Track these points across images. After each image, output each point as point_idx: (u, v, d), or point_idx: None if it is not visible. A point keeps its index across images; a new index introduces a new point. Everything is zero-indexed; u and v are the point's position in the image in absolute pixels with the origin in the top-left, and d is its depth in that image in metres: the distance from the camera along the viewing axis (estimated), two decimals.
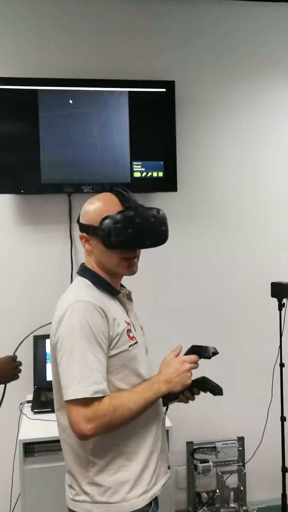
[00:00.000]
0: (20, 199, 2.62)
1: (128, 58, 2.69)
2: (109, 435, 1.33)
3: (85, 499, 1.37)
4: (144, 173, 2.65)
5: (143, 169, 2.64)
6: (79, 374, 1.26)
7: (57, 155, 2.55)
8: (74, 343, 1.28)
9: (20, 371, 1.71)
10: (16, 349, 1.79)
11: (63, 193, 2.59)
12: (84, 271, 1.46)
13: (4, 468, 2.49)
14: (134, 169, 2.64)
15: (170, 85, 2.65)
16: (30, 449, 2.06)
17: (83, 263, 1.49)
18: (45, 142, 2.53)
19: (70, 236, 2.64)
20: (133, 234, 1.36)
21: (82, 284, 1.42)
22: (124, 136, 2.62)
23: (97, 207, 1.41)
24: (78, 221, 1.48)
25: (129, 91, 2.61)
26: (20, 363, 1.72)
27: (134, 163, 2.64)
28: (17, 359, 1.72)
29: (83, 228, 1.44)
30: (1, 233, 2.63)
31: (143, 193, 2.67)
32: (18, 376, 1.72)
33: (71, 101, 2.57)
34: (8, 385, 2.56)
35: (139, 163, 2.64)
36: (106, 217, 1.37)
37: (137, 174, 2.64)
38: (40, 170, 2.53)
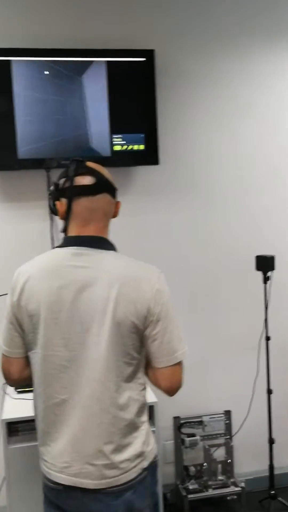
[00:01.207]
0: None
1: (106, 26, 2.59)
2: None
3: (141, 459, 1.42)
4: (125, 146, 2.58)
5: (124, 142, 2.57)
6: (182, 337, 1.42)
7: (34, 129, 2.47)
8: (174, 310, 1.41)
9: None
10: None
11: (41, 168, 2.51)
12: (110, 245, 1.46)
13: None
14: (114, 142, 2.57)
15: (149, 54, 2.55)
16: (14, 428, 2.04)
17: (102, 236, 1.44)
18: (20, 116, 2.45)
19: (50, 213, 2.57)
20: None
21: (127, 257, 1.45)
22: (103, 108, 2.54)
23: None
24: (112, 187, 1.47)
25: (107, 61, 2.52)
26: None
27: (114, 136, 2.56)
28: None
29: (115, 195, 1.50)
30: None
31: (123, 167, 2.62)
32: None
33: (47, 72, 2.47)
34: None
35: (119, 136, 2.57)
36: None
37: (117, 148, 2.57)
38: (16, 145, 2.45)
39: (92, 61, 2.50)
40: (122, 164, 2.59)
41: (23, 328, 1.43)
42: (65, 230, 1.45)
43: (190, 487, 2.69)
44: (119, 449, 1.38)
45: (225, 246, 2.84)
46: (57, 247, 1.46)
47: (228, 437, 2.83)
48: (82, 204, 1.41)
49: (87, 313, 1.35)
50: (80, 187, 1.41)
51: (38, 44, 2.47)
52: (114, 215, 1.50)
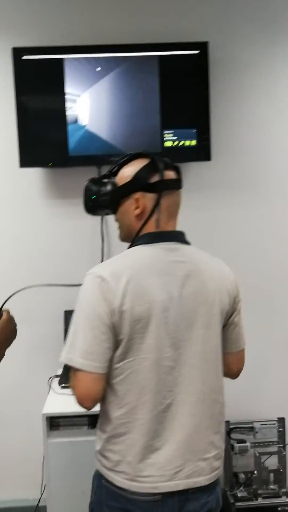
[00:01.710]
0: (48, 172, 2.58)
1: (157, 20, 2.54)
2: None
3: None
4: (176, 142, 2.52)
5: (175, 137, 2.52)
6: None
7: (85, 126, 2.48)
8: None
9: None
10: (5, 302, 1.52)
11: (92, 165, 2.52)
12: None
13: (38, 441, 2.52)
14: (165, 138, 2.52)
15: (203, 47, 2.47)
16: (56, 423, 2.06)
17: (183, 232, 1.43)
18: (72, 113, 2.47)
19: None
20: None
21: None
22: (154, 103, 2.50)
23: None
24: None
25: (159, 55, 2.48)
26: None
27: (165, 131, 2.52)
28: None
29: None
30: (29, 208, 2.62)
31: (174, 163, 2.56)
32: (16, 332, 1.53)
33: (98, 69, 2.47)
34: (38, 359, 2.62)
35: (171, 131, 2.52)
36: None
37: (168, 143, 2.52)
38: (68, 142, 2.47)
39: (144, 56, 2.47)
40: (173, 160, 2.50)
41: (118, 338, 1.28)
42: (142, 227, 1.37)
43: (239, 494, 2.59)
44: (223, 437, 1.42)
45: (280, 244, 2.70)
46: (140, 244, 1.36)
47: (281, 445, 2.70)
48: (169, 198, 1.37)
49: (192, 308, 1.33)
50: (169, 181, 1.37)
51: (90, 41, 2.47)
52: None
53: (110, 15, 2.54)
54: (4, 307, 1.50)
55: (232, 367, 1.50)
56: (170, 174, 1.38)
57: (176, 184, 1.39)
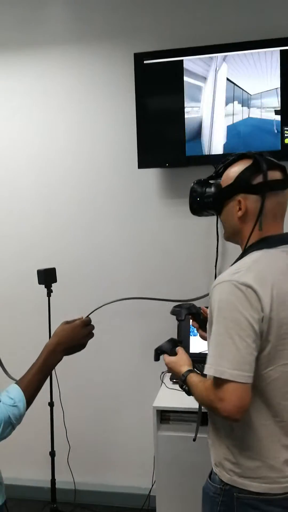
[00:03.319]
0: (166, 172, 2.65)
1: (275, 14, 2.48)
2: None
3: None
4: None
5: None
6: None
7: (202, 127, 2.50)
8: None
9: (92, 336, 1.40)
10: (93, 311, 1.45)
11: (209, 164, 2.53)
12: None
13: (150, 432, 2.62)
14: (286, 135, 2.44)
15: None
16: (166, 416, 2.12)
17: None
18: (190, 114, 2.50)
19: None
20: None
21: None
22: (274, 99, 2.43)
23: None
24: None
25: (280, 50, 2.41)
26: (92, 327, 1.40)
27: (285, 128, 2.44)
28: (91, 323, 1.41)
29: None
30: (147, 207, 2.71)
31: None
32: (85, 345, 1.40)
33: (217, 68, 2.47)
34: (152, 354, 2.66)
35: None
36: None
37: None
38: (185, 143, 2.51)
39: (264, 52, 2.41)
40: None
41: (264, 346, 1.26)
42: (253, 229, 1.34)
43: None
44: None
45: None
46: (263, 248, 1.33)
47: None
48: (275, 200, 1.33)
49: None
50: (273, 182, 1.32)
51: (208, 40, 2.48)
52: None
53: (226, 14, 2.53)
54: (92, 314, 1.44)
55: None
56: (274, 175, 1.32)
57: (281, 185, 1.33)
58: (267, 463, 1.29)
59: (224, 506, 1.33)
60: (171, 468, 2.02)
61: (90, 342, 1.40)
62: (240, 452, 1.31)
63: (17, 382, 1.28)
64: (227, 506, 1.33)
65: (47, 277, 2.45)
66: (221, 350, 1.22)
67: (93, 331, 1.41)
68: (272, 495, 1.29)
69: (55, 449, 2.60)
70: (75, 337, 1.35)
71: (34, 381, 1.27)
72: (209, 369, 1.23)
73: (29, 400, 1.25)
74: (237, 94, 2.46)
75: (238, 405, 1.21)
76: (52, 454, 2.59)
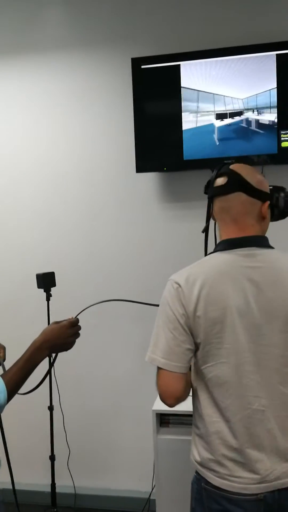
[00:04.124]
0: (163, 176, 2.66)
1: (269, 18, 2.50)
2: None
3: None
4: None
5: None
6: None
7: (199, 130, 2.52)
8: None
9: (78, 336, 1.47)
10: (80, 312, 1.53)
11: (206, 168, 2.54)
12: (268, 243, 1.44)
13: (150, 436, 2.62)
14: (282, 138, 2.46)
15: None
16: (165, 419, 2.12)
17: (263, 235, 1.44)
18: (187, 118, 2.52)
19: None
20: None
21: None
22: (271, 103, 2.45)
23: (263, 178, 1.46)
24: (255, 187, 1.41)
25: (276, 54, 2.42)
26: (79, 328, 1.47)
27: (282, 132, 2.46)
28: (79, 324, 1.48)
29: (267, 196, 1.43)
30: (146, 211, 2.72)
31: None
32: (72, 345, 1.46)
33: (214, 72, 2.49)
34: None
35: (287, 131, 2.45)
36: (282, 188, 1.46)
37: (285, 144, 2.45)
38: (183, 147, 2.53)
39: (260, 56, 2.43)
40: None
41: (198, 340, 1.35)
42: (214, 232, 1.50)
43: None
44: None
45: None
46: (218, 250, 1.43)
47: None
48: (217, 204, 1.45)
49: (272, 312, 1.33)
50: (215, 188, 1.44)
51: (205, 45, 2.50)
52: (263, 216, 1.43)
53: (223, 19, 2.55)
54: (80, 315, 1.51)
55: None
56: (218, 181, 1.44)
57: (220, 190, 1.43)
58: (216, 458, 1.35)
59: (198, 495, 1.41)
60: (171, 471, 2.02)
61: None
62: (199, 441, 1.40)
63: (1, 375, 1.33)
64: (199, 495, 1.40)
65: (46, 281, 2.46)
66: (156, 340, 1.38)
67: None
68: (231, 494, 1.33)
69: (55, 453, 2.60)
70: (61, 336, 1.42)
71: (18, 375, 1.33)
72: (146, 356, 1.39)
73: (11, 392, 1.31)
74: (232, 97, 2.48)
75: (167, 391, 1.36)
76: (52, 458, 2.59)
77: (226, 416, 1.34)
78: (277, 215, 1.47)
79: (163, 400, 1.38)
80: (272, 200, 1.44)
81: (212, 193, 1.45)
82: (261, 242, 1.41)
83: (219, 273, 1.35)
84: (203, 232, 1.53)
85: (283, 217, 1.49)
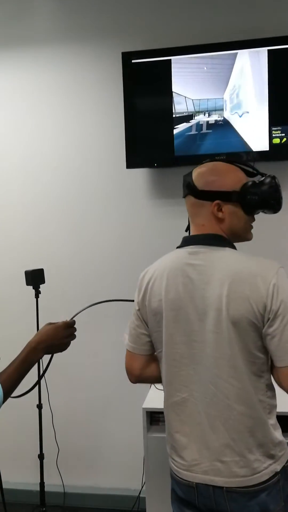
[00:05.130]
0: (154, 172, 2.64)
1: (262, 14, 2.49)
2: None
3: (273, 461, 1.37)
4: (285, 139, 2.44)
5: (283, 134, 2.44)
6: None
7: (191, 126, 2.50)
8: None
9: (73, 337, 1.47)
10: (76, 314, 1.54)
11: (198, 164, 2.52)
12: (225, 242, 1.41)
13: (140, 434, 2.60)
14: (273, 135, 2.45)
15: None
16: (156, 418, 2.11)
17: (216, 234, 1.41)
18: (178, 114, 2.50)
19: None
20: (275, 199, 1.41)
21: (245, 254, 1.39)
22: (262, 100, 2.44)
23: (231, 174, 1.43)
24: (199, 189, 1.41)
25: (268, 50, 2.41)
26: (75, 330, 1.47)
27: (273, 128, 2.45)
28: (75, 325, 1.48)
29: (217, 195, 1.39)
30: (136, 207, 2.70)
31: (283, 161, 2.48)
32: (67, 346, 1.47)
33: (205, 68, 2.47)
34: None
35: (279, 128, 2.44)
36: (251, 183, 1.41)
37: (276, 141, 2.45)
38: (174, 143, 2.51)
39: (251, 52, 2.42)
40: (282, 158, 2.47)
41: (148, 327, 1.49)
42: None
43: None
44: (248, 447, 1.35)
45: None
46: (177, 247, 1.49)
47: None
48: (186, 204, 1.50)
49: (204, 311, 1.35)
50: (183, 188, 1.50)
51: (197, 40, 2.48)
52: (216, 217, 1.41)
53: (215, 13, 2.53)
54: (77, 317, 1.51)
55: (281, 383, 1.34)
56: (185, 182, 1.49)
57: (183, 192, 1.48)
58: (172, 446, 1.47)
59: (172, 479, 1.50)
60: (161, 469, 2.00)
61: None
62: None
63: None
64: (172, 478, 1.49)
65: (35, 278, 2.43)
66: (128, 324, 1.55)
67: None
68: (174, 474, 1.46)
69: (43, 452, 2.57)
70: (56, 337, 1.42)
71: (13, 376, 1.32)
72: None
73: (6, 393, 1.30)
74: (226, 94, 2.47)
75: (128, 368, 1.56)
76: (41, 456, 2.57)
77: (164, 401, 1.49)
78: (253, 207, 1.40)
79: (128, 376, 1.57)
80: (230, 197, 1.39)
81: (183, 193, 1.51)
82: (210, 240, 1.40)
83: (164, 268, 1.45)
84: (186, 231, 1.53)
85: (272, 208, 1.42)
